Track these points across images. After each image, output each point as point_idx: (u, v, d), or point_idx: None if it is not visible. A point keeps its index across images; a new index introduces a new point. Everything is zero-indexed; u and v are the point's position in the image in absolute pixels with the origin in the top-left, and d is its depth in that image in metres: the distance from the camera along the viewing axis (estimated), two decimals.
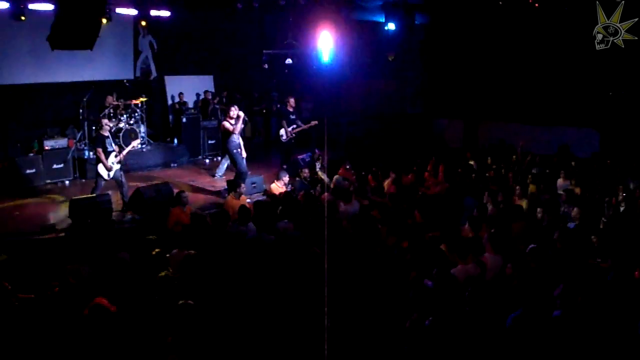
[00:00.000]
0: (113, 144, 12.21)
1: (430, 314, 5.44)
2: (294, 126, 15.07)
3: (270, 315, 6.22)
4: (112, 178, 12.05)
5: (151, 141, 16.64)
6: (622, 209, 10.03)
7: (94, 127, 15.24)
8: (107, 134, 12.10)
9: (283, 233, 8.67)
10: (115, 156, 12.01)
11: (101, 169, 11.88)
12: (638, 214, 9.64)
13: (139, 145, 15.27)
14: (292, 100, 15.14)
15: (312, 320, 5.47)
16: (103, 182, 12.04)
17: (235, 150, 13.39)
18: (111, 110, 15.53)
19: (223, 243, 8.39)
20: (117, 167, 12.04)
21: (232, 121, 13.43)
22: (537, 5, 14.87)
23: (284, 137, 14.97)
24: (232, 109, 13.59)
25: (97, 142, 12.03)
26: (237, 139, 13.41)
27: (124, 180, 12.28)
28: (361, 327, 5.69)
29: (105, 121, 12.37)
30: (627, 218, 9.44)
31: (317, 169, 12.82)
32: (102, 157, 11.81)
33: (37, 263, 8.85)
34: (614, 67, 15.00)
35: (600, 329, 5.40)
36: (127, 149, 12.60)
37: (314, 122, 15.72)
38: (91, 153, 14.66)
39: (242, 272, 7.26)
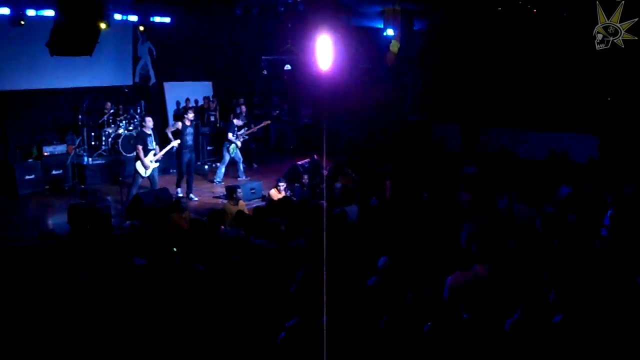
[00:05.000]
0: (154, 143, 12.34)
1: (428, 319, 5.43)
2: (245, 129, 15.37)
3: (267, 320, 6.22)
4: (149, 176, 12.22)
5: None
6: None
7: (92, 134, 15.28)
8: (149, 131, 12.33)
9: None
10: (154, 155, 12.18)
11: (139, 166, 12.15)
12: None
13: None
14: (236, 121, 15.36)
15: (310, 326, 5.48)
16: (140, 180, 12.32)
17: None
18: (110, 117, 15.55)
19: (220, 248, 8.38)
20: (155, 165, 12.33)
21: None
22: (535, 10, 14.88)
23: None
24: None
25: (139, 139, 12.28)
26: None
27: (157, 180, 12.58)
28: (359, 334, 5.68)
29: (148, 119, 12.59)
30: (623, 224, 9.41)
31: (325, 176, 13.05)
32: (141, 154, 12.10)
33: (36, 269, 8.85)
34: (614, 67, 15.00)
35: (601, 334, 5.40)
36: (165, 149, 12.81)
37: (265, 122, 16.62)
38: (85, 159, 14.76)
39: (240, 277, 7.26)
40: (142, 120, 12.72)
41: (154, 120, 14.83)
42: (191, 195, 13.56)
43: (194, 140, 14.42)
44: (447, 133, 19.75)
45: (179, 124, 13.50)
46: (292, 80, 18.83)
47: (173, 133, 13.52)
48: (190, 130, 13.61)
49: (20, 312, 7.08)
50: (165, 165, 16.10)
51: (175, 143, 13.15)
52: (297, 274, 7.08)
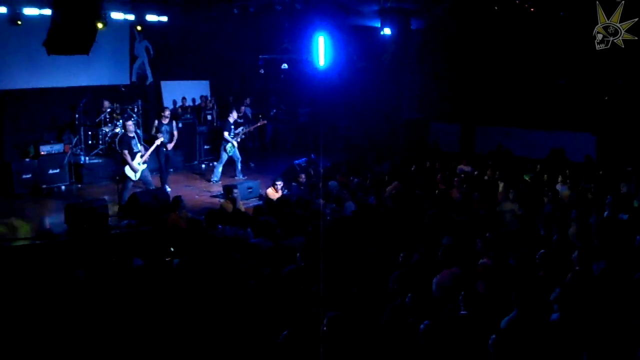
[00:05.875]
0: (139, 145, 12.33)
1: (425, 318, 5.44)
2: (242, 128, 15.66)
3: (265, 321, 6.22)
4: (140, 179, 12.22)
5: (147, 146, 16.59)
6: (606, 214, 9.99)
7: (89, 133, 15.28)
8: (132, 135, 12.34)
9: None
10: (141, 157, 12.18)
11: (128, 170, 12.17)
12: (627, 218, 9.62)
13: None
14: (234, 114, 15.49)
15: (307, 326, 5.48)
16: (131, 184, 12.32)
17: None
18: (107, 115, 15.52)
19: (218, 247, 8.37)
20: (143, 167, 12.35)
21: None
22: (532, 10, 14.91)
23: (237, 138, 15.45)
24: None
25: (123, 144, 12.30)
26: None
27: (150, 179, 12.65)
28: (356, 333, 5.67)
29: (129, 123, 12.62)
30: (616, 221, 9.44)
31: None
32: (129, 158, 12.13)
33: (33, 268, 8.84)
34: (614, 67, 15.03)
35: (598, 333, 5.41)
36: (150, 149, 12.89)
37: (262, 122, 17.03)
38: (82, 158, 14.74)
39: (237, 277, 7.25)
40: (123, 125, 12.76)
41: (151, 119, 14.98)
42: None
43: (186, 137, 14.73)
44: (444, 132, 19.79)
45: (156, 122, 13.68)
46: (289, 79, 18.81)
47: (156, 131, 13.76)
48: (166, 127, 13.82)
49: (16, 312, 7.07)
50: None
51: (158, 141, 13.24)
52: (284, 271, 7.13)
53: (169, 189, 13.49)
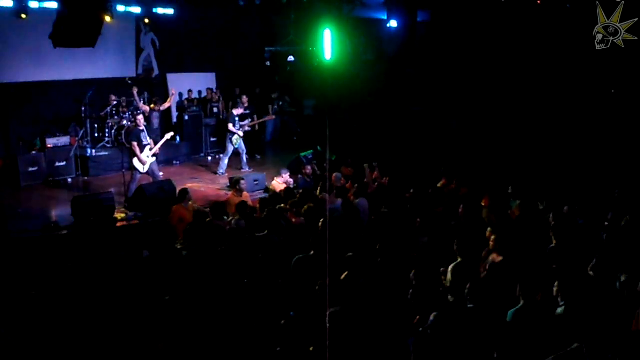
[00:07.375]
0: (148, 138, 12.40)
1: (432, 310, 5.44)
2: (249, 120, 15.87)
3: (269, 312, 6.23)
4: (147, 172, 12.30)
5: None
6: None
7: (95, 125, 15.31)
8: (142, 127, 12.42)
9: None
10: (150, 149, 12.23)
11: (136, 162, 12.25)
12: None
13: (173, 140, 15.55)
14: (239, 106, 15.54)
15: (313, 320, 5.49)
16: (139, 175, 12.39)
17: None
18: (114, 108, 15.54)
19: (223, 239, 8.39)
20: (152, 159, 12.47)
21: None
22: (539, 2, 14.81)
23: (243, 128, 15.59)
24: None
25: (133, 135, 12.40)
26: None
27: (157, 173, 12.75)
28: (363, 327, 5.68)
29: (139, 117, 12.69)
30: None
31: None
32: (137, 150, 12.20)
33: (40, 261, 8.88)
34: (614, 66, 14.92)
35: (602, 325, 5.40)
36: (160, 142, 12.91)
37: (270, 117, 17.62)
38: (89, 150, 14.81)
39: (244, 269, 7.26)
40: (134, 118, 12.90)
41: (157, 111, 15.06)
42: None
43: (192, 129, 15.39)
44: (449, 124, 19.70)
45: (147, 108, 14.10)
46: (295, 71, 18.75)
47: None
48: (156, 114, 14.53)
49: (24, 304, 7.11)
50: (168, 157, 16.14)
51: (169, 135, 13.27)
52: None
53: (161, 174, 13.64)
